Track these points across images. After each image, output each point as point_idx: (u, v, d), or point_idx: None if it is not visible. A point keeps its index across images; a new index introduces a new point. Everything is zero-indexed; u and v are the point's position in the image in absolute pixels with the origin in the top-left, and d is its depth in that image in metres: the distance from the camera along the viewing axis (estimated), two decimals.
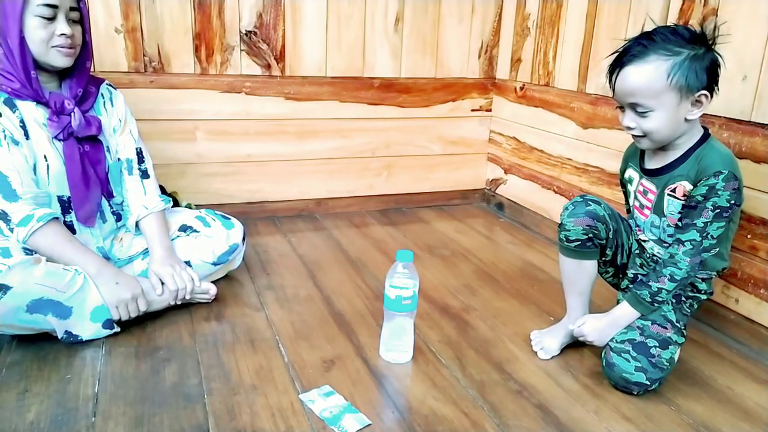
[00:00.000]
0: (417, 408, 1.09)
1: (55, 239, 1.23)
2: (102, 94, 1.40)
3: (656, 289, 1.15)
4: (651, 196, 1.20)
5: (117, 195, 1.42)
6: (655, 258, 1.25)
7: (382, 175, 2.29)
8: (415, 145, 2.29)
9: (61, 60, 1.25)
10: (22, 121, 1.24)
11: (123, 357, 1.21)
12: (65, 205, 1.31)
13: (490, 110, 2.37)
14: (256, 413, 1.05)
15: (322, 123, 2.13)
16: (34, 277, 1.15)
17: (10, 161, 1.21)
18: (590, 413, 1.10)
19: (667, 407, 1.13)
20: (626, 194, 1.32)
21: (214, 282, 1.51)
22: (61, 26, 1.22)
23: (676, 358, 1.19)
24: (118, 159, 1.42)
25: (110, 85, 1.44)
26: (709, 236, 1.12)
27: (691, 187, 1.13)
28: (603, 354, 1.19)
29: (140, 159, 1.45)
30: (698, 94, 1.08)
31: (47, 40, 1.22)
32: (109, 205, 1.41)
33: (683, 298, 1.22)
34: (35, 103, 1.26)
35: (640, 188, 1.23)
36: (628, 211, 1.32)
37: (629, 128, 1.13)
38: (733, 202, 1.10)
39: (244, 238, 1.57)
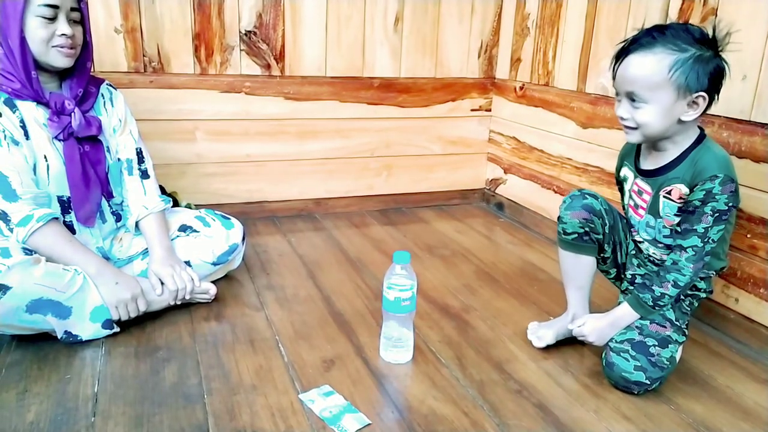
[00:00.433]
0: (417, 408, 1.09)
1: (54, 239, 1.23)
2: (102, 94, 1.40)
3: (659, 294, 1.15)
4: (646, 197, 1.20)
5: (117, 195, 1.42)
6: (651, 258, 1.25)
7: (382, 175, 2.29)
8: (414, 145, 2.29)
9: (61, 60, 1.25)
10: (22, 121, 1.24)
11: (123, 357, 1.21)
12: (65, 205, 1.31)
13: (490, 110, 2.37)
14: (255, 413, 1.05)
15: (321, 123, 2.13)
16: (34, 277, 1.15)
17: (10, 161, 1.21)
18: (590, 413, 1.10)
19: (667, 406, 1.13)
20: (622, 192, 1.32)
21: (213, 282, 1.51)
22: (62, 26, 1.22)
23: (677, 356, 1.19)
24: (118, 159, 1.42)
25: (110, 86, 1.44)
26: (710, 240, 1.12)
27: (687, 190, 1.13)
28: (603, 354, 1.20)
29: (140, 159, 1.45)
30: (696, 95, 1.07)
31: (48, 40, 1.22)
32: (109, 205, 1.41)
33: (682, 297, 1.22)
34: (35, 103, 1.26)
35: (635, 188, 1.23)
36: (624, 209, 1.32)
37: (622, 118, 1.12)
38: (731, 204, 1.10)
39: (243, 238, 1.57)
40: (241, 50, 1.97)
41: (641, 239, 1.26)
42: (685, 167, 1.13)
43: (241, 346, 1.27)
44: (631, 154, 1.25)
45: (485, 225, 2.19)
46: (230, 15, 1.92)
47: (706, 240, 1.11)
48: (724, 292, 1.44)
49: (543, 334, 1.31)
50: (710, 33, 1.08)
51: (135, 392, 1.10)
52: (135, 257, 1.44)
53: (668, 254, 1.19)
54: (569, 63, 1.94)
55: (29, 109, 1.26)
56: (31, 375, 1.14)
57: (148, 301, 1.32)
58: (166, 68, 1.89)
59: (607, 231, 1.28)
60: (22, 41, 1.20)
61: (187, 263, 1.43)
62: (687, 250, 1.12)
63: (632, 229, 1.28)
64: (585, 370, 1.24)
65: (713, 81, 1.08)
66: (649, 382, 1.13)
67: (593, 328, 1.20)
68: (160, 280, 1.35)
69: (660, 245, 1.21)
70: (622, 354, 1.14)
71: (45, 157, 1.26)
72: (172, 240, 1.45)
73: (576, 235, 1.27)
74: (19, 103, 1.25)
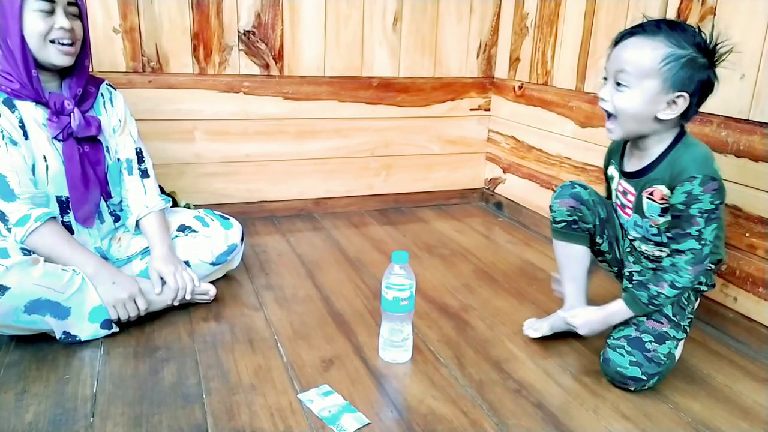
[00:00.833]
0: (416, 407, 1.09)
1: (52, 239, 1.23)
2: (102, 94, 1.40)
3: (655, 293, 1.14)
4: (630, 197, 1.20)
5: (115, 195, 1.42)
6: (646, 255, 1.25)
7: (381, 175, 2.28)
8: (413, 145, 2.29)
9: (61, 59, 1.25)
10: (21, 122, 1.24)
11: (122, 357, 1.21)
12: (64, 206, 1.31)
13: (489, 109, 2.37)
14: (254, 413, 1.05)
15: (320, 123, 2.13)
16: (32, 277, 1.15)
17: (9, 161, 1.21)
18: (589, 412, 1.10)
19: (666, 405, 1.13)
20: (609, 189, 1.32)
21: (212, 282, 1.51)
22: (60, 20, 1.22)
23: (676, 353, 1.19)
24: (118, 159, 1.42)
25: (110, 85, 1.43)
26: (707, 242, 1.11)
27: (668, 191, 1.12)
28: (601, 352, 1.20)
29: (140, 159, 1.45)
30: (677, 94, 1.06)
31: (45, 34, 1.21)
32: (107, 205, 1.41)
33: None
34: (35, 103, 1.26)
35: (620, 188, 1.23)
36: (613, 207, 1.31)
37: (603, 100, 1.12)
38: (717, 202, 1.09)
39: (242, 238, 1.57)
40: (239, 50, 1.96)
41: (632, 237, 1.26)
42: (664, 168, 1.13)
43: (240, 346, 1.27)
44: (618, 153, 1.25)
45: (484, 224, 2.19)
46: (229, 15, 1.92)
47: (702, 242, 1.10)
48: (723, 291, 1.44)
49: (538, 326, 1.33)
50: (712, 44, 1.07)
51: (134, 392, 1.10)
52: (134, 257, 1.43)
53: (660, 250, 1.20)
54: (568, 62, 1.94)
55: (28, 109, 1.26)
56: (30, 375, 1.14)
57: (147, 300, 1.31)
58: (165, 68, 1.89)
59: (598, 223, 1.28)
60: (22, 40, 1.20)
61: (186, 263, 1.43)
62: (685, 253, 1.11)
63: (621, 226, 1.29)
64: (584, 369, 1.24)
65: (700, 88, 1.07)
66: (645, 378, 1.13)
67: (585, 320, 1.21)
68: (161, 278, 1.35)
69: (650, 242, 1.21)
70: (618, 350, 1.15)
71: (44, 157, 1.26)
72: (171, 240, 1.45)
73: (565, 223, 1.29)
74: (18, 103, 1.25)
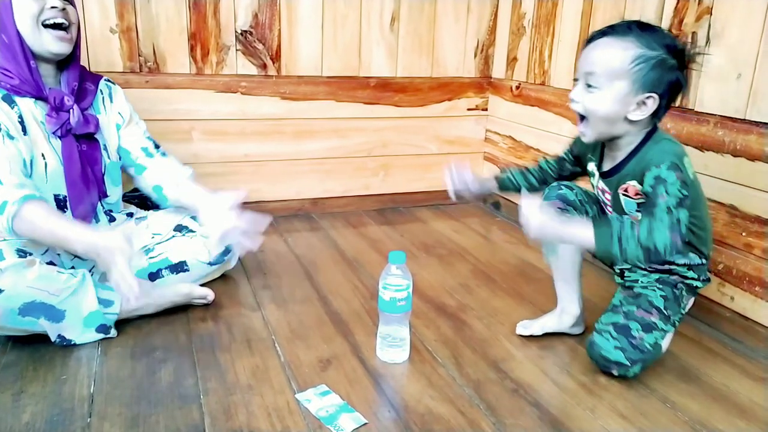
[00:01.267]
0: (413, 407, 1.09)
1: (32, 223, 1.15)
2: (101, 90, 1.39)
3: (627, 234, 1.05)
4: (608, 196, 1.22)
5: (111, 195, 1.42)
6: None
7: (379, 175, 2.28)
8: (411, 145, 2.29)
9: (57, 45, 1.23)
10: (20, 117, 1.24)
11: (119, 357, 1.21)
12: (61, 204, 1.31)
13: (486, 109, 2.37)
14: (252, 413, 1.05)
15: (318, 123, 2.13)
16: (27, 280, 1.14)
17: (3, 152, 1.19)
18: (586, 411, 1.10)
19: (663, 404, 1.13)
20: (561, 165, 1.37)
21: (210, 282, 1.51)
22: (51, 0, 1.21)
23: (663, 345, 1.19)
24: (129, 152, 1.42)
25: (109, 81, 1.43)
26: (678, 220, 1.05)
27: (640, 186, 1.13)
28: (588, 337, 1.22)
29: (155, 144, 1.46)
30: (647, 95, 1.07)
31: (37, 15, 1.20)
32: (102, 205, 1.40)
33: (672, 286, 1.22)
34: (34, 100, 1.26)
35: (600, 185, 1.24)
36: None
37: (573, 101, 1.12)
38: (686, 192, 1.06)
39: None
40: (237, 50, 1.96)
41: None
42: (634, 164, 1.13)
43: (238, 346, 1.27)
44: (597, 152, 1.24)
45: (482, 224, 2.19)
46: (226, 15, 1.92)
47: (673, 216, 1.04)
48: (720, 290, 1.44)
49: (528, 324, 1.34)
50: (684, 47, 1.09)
51: (131, 393, 1.10)
52: None
53: None
54: (565, 62, 1.95)
55: (28, 106, 1.25)
56: (27, 376, 1.14)
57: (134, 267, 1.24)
58: (162, 68, 1.89)
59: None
60: (17, 31, 1.20)
61: (183, 263, 1.43)
62: (657, 217, 1.05)
63: None
64: (581, 368, 1.24)
65: (669, 89, 1.08)
66: (628, 363, 1.14)
67: (540, 220, 1.09)
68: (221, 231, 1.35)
69: None
70: (603, 334, 1.17)
71: (42, 155, 1.26)
72: (167, 240, 1.45)
73: None
74: (17, 99, 1.24)
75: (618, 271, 1.31)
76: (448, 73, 2.27)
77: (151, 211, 1.58)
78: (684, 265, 1.22)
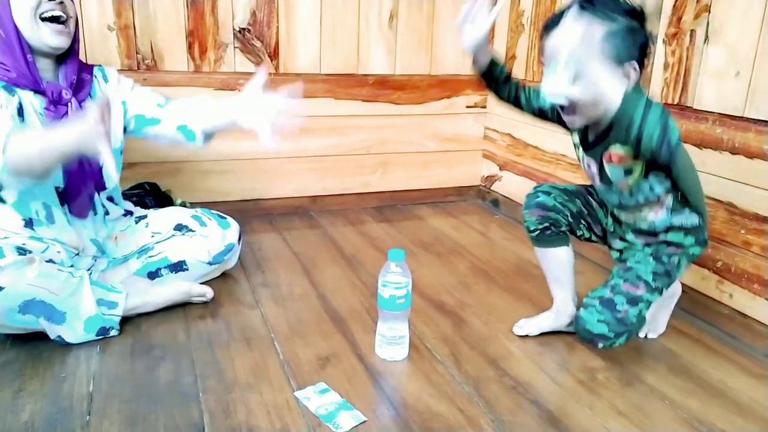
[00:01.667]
0: (412, 405, 1.09)
1: (20, 150, 1.10)
2: (95, 76, 1.38)
3: (652, 107, 0.97)
4: (594, 168, 1.20)
5: (109, 186, 1.41)
6: (631, 227, 1.24)
7: (378, 173, 2.28)
8: (410, 142, 2.29)
9: (56, 38, 1.23)
10: (20, 105, 1.23)
11: (118, 355, 1.21)
12: (60, 196, 1.30)
13: (485, 107, 2.37)
14: (251, 411, 1.05)
15: (316, 120, 2.13)
16: (27, 278, 1.14)
17: None
18: (585, 408, 1.10)
19: (662, 402, 1.13)
20: (577, 157, 1.28)
21: (208, 280, 1.51)
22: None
23: (647, 315, 1.22)
24: (142, 114, 1.41)
25: (101, 66, 1.42)
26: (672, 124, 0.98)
27: (622, 151, 1.09)
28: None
29: (164, 98, 1.46)
30: (627, 66, 1.05)
31: (35, 7, 1.19)
32: (99, 196, 1.40)
33: (668, 257, 1.21)
34: (33, 92, 1.25)
35: (585, 158, 1.22)
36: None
37: (552, 94, 1.05)
38: (674, 126, 0.98)
39: (240, 238, 1.56)
40: (235, 47, 1.96)
41: (611, 208, 1.27)
42: (615, 128, 1.06)
43: (236, 343, 1.27)
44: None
45: (481, 222, 2.19)
46: (224, 12, 1.91)
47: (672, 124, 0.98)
48: (719, 287, 1.45)
49: (524, 323, 1.35)
50: (638, 6, 1.06)
51: (130, 391, 1.10)
52: (130, 256, 1.43)
53: (642, 218, 1.20)
54: None
55: (28, 97, 1.25)
56: (26, 374, 1.14)
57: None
58: (160, 66, 1.89)
59: (572, 219, 1.29)
60: (15, 25, 1.19)
61: (183, 263, 1.43)
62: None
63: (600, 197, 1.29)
64: (580, 366, 1.24)
65: (642, 52, 1.06)
66: (612, 335, 1.17)
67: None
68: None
69: (628, 208, 1.21)
70: (589, 308, 1.19)
71: None
72: (167, 239, 1.45)
73: (538, 231, 1.30)
74: (18, 90, 1.24)
75: (617, 255, 1.31)
76: (447, 70, 2.27)
77: (150, 210, 1.58)
78: (681, 229, 1.20)
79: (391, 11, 2.11)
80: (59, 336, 1.21)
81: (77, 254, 1.35)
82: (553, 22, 1.08)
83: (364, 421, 1.03)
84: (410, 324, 1.28)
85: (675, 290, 1.36)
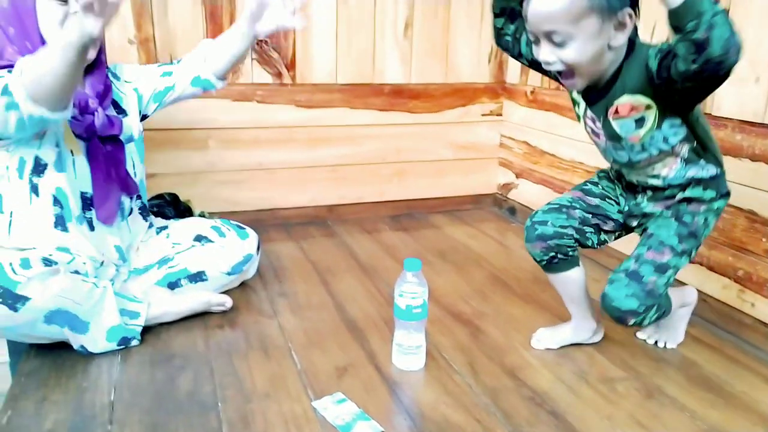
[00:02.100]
0: (429, 415, 1.09)
1: (33, 71, 1.08)
2: (109, 77, 1.41)
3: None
4: (598, 125, 1.14)
5: (136, 181, 1.42)
6: (644, 186, 1.18)
7: (393, 181, 2.29)
8: (425, 151, 2.30)
9: None
10: None
11: (138, 365, 1.23)
12: (87, 203, 1.32)
13: (501, 115, 2.37)
14: (269, 421, 1.06)
15: (332, 130, 2.14)
16: (53, 288, 1.16)
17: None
18: (604, 420, 1.09)
19: (683, 413, 1.12)
20: (578, 116, 1.23)
21: (228, 290, 1.53)
22: (74, 6, 1.21)
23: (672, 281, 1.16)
24: (160, 91, 1.46)
25: (108, 68, 1.44)
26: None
27: (630, 98, 1.03)
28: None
29: (170, 64, 1.50)
30: (621, 14, 0.97)
31: (62, 21, 1.21)
32: (130, 202, 1.43)
33: (691, 218, 1.14)
34: None
35: (589, 114, 1.15)
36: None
37: (548, 63, 1.03)
38: None
39: (258, 248, 1.58)
40: (252, 59, 1.98)
41: (618, 168, 1.21)
42: (624, 78, 1.04)
43: (255, 353, 1.28)
44: None
45: (497, 230, 2.19)
46: None
47: None
48: (740, 296, 1.42)
49: (543, 337, 1.33)
50: None
51: (150, 400, 1.11)
52: (151, 266, 1.45)
53: (654, 176, 1.13)
54: None
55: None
56: (49, 383, 1.16)
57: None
58: None
59: (578, 236, 1.24)
60: (41, 38, 1.22)
61: (202, 273, 1.45)
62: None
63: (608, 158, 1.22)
64: (599, 376, 1.23)
65: None
66: (642, 310, 1.11)
67: None
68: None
69: (640, 166, 1.14)
70: (615, 283, 1.13)
71: (71, 151, 1.28)
72: (186, 250, 1.47)
73: (545, 261, 1.26)
74: None
75: (636, 226, 1.24)
76: (462, 78, 2.27)
77: (171, 221, 1.60)
78: (699, 182, 1.13)
79: (406, 20, 2.13)
80: (82, 346, 1.23)
81: (101, 265, 1.37)
82: None
83: None
84: (427, 334, 1.28)
85: (690, 299, 1.34)
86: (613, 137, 1.12)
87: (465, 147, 2.35)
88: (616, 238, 1.30)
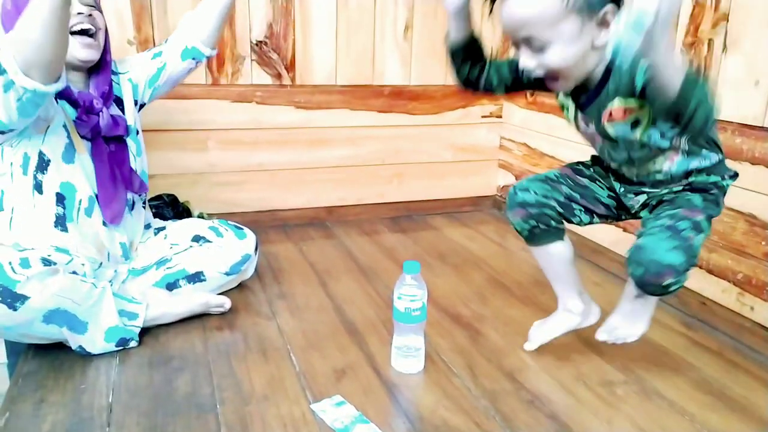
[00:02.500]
0: (428, 418, 1.09)
1: (23, 28, 1.06)
2: (115, 82, 1.41)
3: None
4: (592, 127, 1.08)
5: (141, 177, 1.43)
6: (647, 179, 1.10)
7: (393, 183, 2.29)
8: (425, 152, 2.29)
9: (84, 52, 1.25)
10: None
11: (136, 367, 1.22)
12: (93, 202, 1.32)
13: (501, 116, 2.37)
14: (267, 423, 1.06)
15: (332, 131, 2.14)
16: (52, 288, 1.16)
17: None
18: (603, 423, 1.09)
19: (681, 417, 1.12)
20: (567, 119, 1.16)
21: (226, 291, 1.52)
22: (76, 7, 1.23)
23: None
24: (154, 74, 1.46)
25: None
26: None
27: (623, 101, 0.97)
28: (630, 248, 1.04)
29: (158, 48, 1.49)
30: (602, 12, 0.90)
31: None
32: (134, 198, 1.42)
33: (703, 191, 1.07)
34: (66, 102, 1.28)
35: (581, 116, 1.09)
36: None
37: (530, 69, 0.97)
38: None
39: (256, 249, 1.58)
40: (252, 60, 1.98)
41: (618, 166, 1.14)
42: (613, 80, 0.97)
43: (253, 355, 1.28)
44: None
45: (497, 232, 2.19)
46: (241, 26, 1.94)
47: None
48: (740, 300, 1.42)
49: (533, 334, 1.30)
50: None
51: (149, 402, 1.11)
52: (149, 268, 1.45)
53: (656, 166, 1.06)
54: None
55: (61, 103, 1.27)
56: (47, 385, 1.15)
57: None
58: None
59: (561, 209, 1.18)
60: None
61: (200, 273, 1.45)
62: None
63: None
64: (599, 379, 1.23)
65: None
66: (683, 269, 0.98)
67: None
68: None
69: (641, 161, 1.08)
70: (654, 236, 0.99)
71: (76, 149, 1.28)
72: (185, 250, 1.47)
73: (527, 231, 1.20)
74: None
75: (639, 211, 1.16)
76: None
77: (169, 222, 1.60)
78: (702, 170, 1.07)
79: (406, 22, 2.13)
80: (80, 346, 1.23)
81: (99, 266, 1.37)
82: None
83: None
84: (426, 336, 1.27)
85: (592, 319, 1.28)
86: (610, 141, 1.08)
87: (465, 149, 2.35)
88: (606, 222, 1.25)
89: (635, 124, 1.01)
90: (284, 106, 2.06)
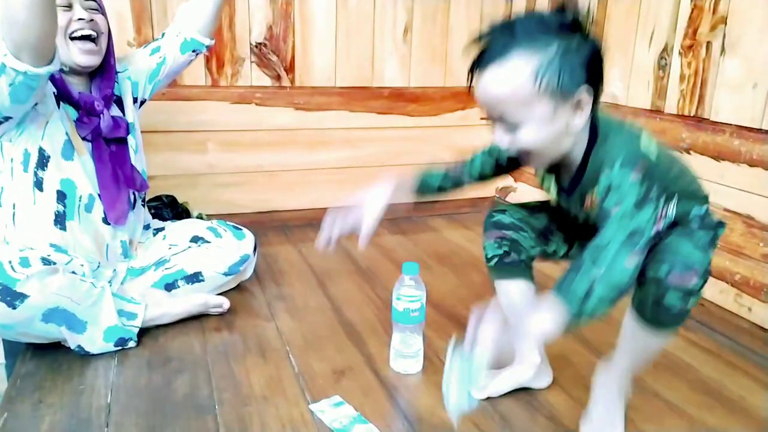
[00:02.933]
0: (427, 418, 1.09)
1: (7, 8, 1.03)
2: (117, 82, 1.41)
3: (583, 293, 0.85)
4: (576, 211, 1.02)
5: (143, 179, 1.43)
6: None
7: None
8: (424, 154, 2.30)
9: (84, 58, 1.26)
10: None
11: (135, 368, 1.22)
12: (95, 202, 1.32)
13: None
14: (266, 424, 1.06)
15: (331, 133, 2.14)
16: (51, 286, 1.16)
17: None
18: None
19: (679, 417, 1.12)
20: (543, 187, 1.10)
21: (225, 292, 1.52)
22: (78, 12, 1.23)
23: None
24: (153, 68, 1.45)
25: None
26: (638, 230, 0.85)
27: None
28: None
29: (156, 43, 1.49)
30: (577, 95, 0.86)
31: (65, 28, 1.22)
32: (137, 196, 1.43)
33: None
34: (68, 103, 1.28)
35: (563, 202, 1.04)
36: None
37: (501, 146, 0.92)
38: (648, 183, 0.85)
39: (255, 249, 1.58)
40: (251, 62, 1.99)
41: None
42: (590, 170, 0.93)
43: (252, 356, 1.28)
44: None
45: None
46: (241, 27, 1.94)
47: (631, 230, 0.85)
48: (737, 301, 1.43)
49: (485, 383, 1.12)
50: (570, 13, 0.87)
51: (147, 403, 1.11)
52: (147, 268, 1.45)
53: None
54: None
55: (64, 107, 1.28)
56: (46, 386, 1.15)
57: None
58: (178, 80, 1.91)
59: (537, 238, 1.11)
60: None
61: (199, 274, 1.45)
62: (611, 241, 0.85)
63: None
64: None
65: (592, 69, 0.87)
66: (704, 274, 0.91)
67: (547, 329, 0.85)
68: None
69: None
70: (672, 236, 0.91)
71: (76, 149, 1.28)
72: (183, 251, 1.47)
73: (497, 258, 1.12)
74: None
75: None
76: (461, 82, 2.26)
77: (168, 222, 1.60)
78: (690, 221, 0.97)
79: (406, 24, 2.13)
80: (79, 345, 1.23)
81: (98, 267, 1.37)
82: (476, 63, 0.90)
83: None
84: (425, 337, 1.27)
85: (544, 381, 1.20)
86: (595, 221, 0.96)
87: (464, 150, 2.34)
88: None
89: (617, 204, 0.89)
90: (284, 107, 2.06)
